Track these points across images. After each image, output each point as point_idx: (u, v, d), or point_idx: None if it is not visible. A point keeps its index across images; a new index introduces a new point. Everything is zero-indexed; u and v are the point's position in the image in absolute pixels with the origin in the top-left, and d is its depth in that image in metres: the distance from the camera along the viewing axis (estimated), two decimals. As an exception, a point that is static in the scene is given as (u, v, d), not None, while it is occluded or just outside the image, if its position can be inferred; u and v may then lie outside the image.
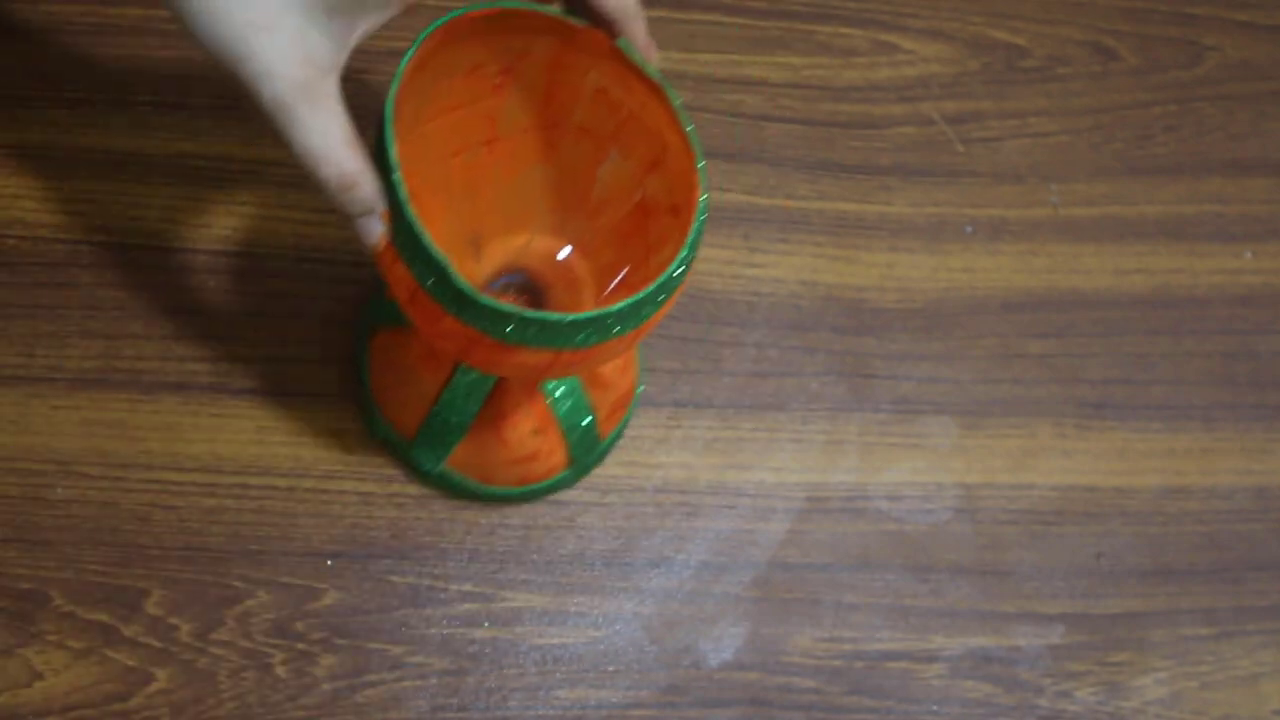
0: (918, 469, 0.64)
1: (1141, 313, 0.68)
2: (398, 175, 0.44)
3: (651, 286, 0.45)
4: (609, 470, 0.62)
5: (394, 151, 0.44)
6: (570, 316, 0.45)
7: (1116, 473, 0.65)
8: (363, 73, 0.66)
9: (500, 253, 0.55)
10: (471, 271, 0.54)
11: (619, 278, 0.53)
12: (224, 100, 0.66)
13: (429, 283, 0.45)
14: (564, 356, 0.46)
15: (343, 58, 0.45)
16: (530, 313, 0.44)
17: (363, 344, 0.61)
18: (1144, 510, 0.64)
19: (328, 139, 0.43)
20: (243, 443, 0.60)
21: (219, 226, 0.64)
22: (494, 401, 0.56)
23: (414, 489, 0.60)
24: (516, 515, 0.61)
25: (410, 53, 0.45)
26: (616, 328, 0.46)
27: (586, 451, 0.60)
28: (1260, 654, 0.62)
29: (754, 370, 0.65)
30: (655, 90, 0.48)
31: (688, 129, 0.47)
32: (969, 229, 0.69)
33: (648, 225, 0.51)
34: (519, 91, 0.51)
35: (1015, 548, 0.63)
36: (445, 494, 0.60)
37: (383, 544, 0.59)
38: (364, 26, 0.45)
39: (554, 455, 0.59)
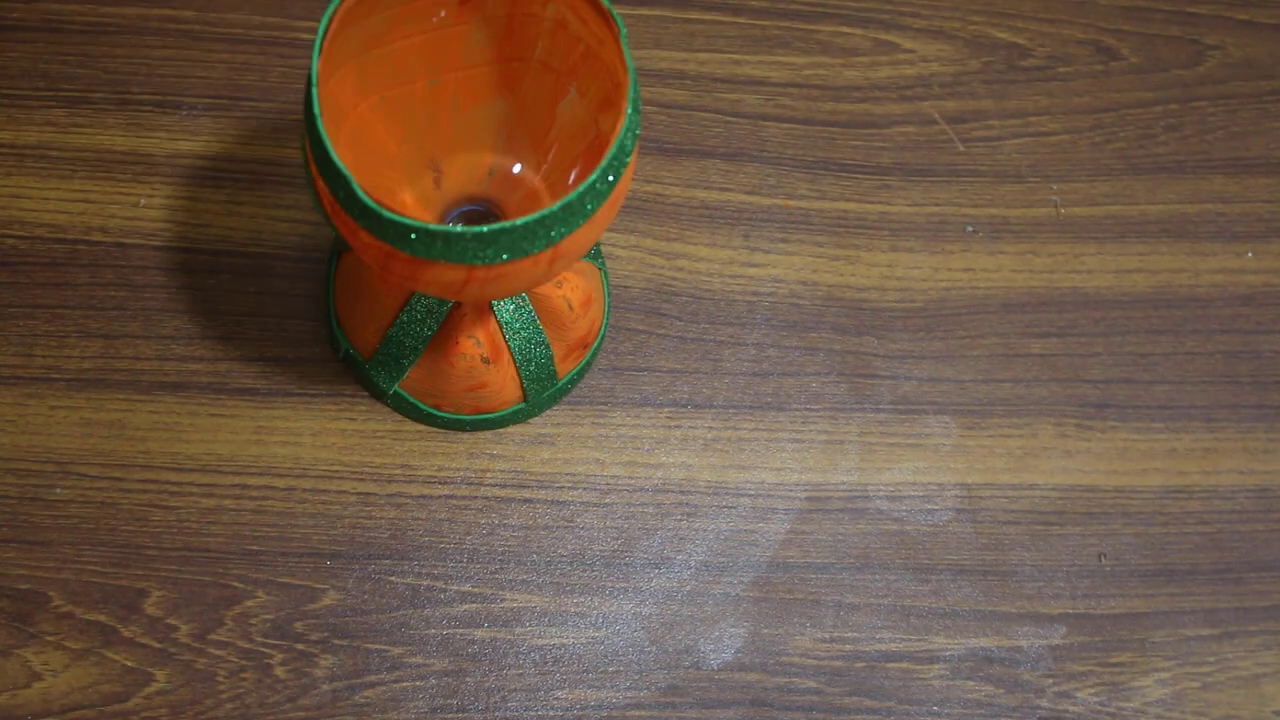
0: (918, 469, 0.64)
1: (1143, 312, 0.68)
2: (315, 90, 0.45)
3: (556, 205, 0.45)
4: (609, 470, 0.62)
5: (316, 65, 0.45)
6: (474, 230, 0.45)
7: (1118, 473, 0.65)
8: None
9: (461, 181, 0.55)
10: (431, 197, 0.55)
11: None
12: (224, 100, 0.66)
13: (340, 196, 0.45)
14: (478, 273, 0.46)
15: None
16: (434, 226, 0.45)
17: (331, 265, 0.62)
18: (1146, 510, 0.64)
19: None
20: (242, 443, 0.60)
21: (219, 226, 0.64)
22: (448, 327, 0.56)
23: (414, 489, 0.60)
24: (516, 515, 0.61)
25: None
26: (527, 245, 0.45)
27: (540, 388, 0.60)
28: (1262, 655, 0.62)
29: (754, 370, 0.64)
30: (608, 23, 0.48)
31: (629, 66, 0.47)
32: (970, 229, 0.69)
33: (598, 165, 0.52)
34: (480, 23, 0.52)
35: (1016, 548, 0.63)
36: (403, 419, 0.61)
37: (382, 544, 0.59)
38: None
39: (506, 388, 0.59)
